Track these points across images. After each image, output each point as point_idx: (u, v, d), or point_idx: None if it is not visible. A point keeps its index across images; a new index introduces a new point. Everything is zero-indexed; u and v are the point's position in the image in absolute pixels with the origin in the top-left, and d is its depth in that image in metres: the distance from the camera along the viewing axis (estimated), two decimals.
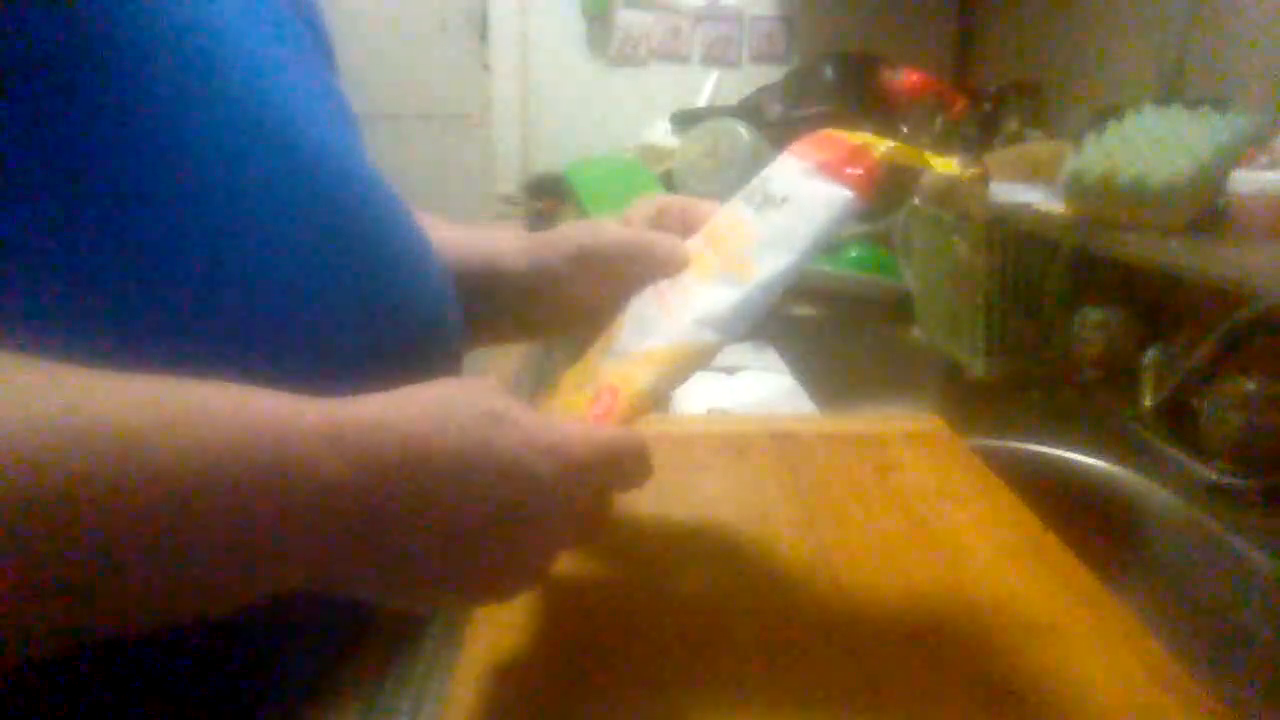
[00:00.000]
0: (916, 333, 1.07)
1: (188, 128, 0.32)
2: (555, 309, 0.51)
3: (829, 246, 1.18)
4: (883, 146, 0.40)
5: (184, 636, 0.32)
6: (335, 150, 0.39)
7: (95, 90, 0.30)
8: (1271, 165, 0.63)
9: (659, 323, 0.42)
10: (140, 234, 0.30)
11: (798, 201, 0.41)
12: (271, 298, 0.34)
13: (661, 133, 1.54)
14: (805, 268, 0.40)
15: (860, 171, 0.40)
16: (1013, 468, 0.66)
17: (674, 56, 1.81)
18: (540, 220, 1.52)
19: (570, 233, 0.50)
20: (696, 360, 0.39)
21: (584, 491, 0.35)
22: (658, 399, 0.39)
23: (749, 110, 1.44)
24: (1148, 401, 0.75)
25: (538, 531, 0.33)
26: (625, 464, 0.36)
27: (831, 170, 0.40)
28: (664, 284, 0.45)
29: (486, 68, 1.88)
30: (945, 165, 0.42)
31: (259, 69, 0.37)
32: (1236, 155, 0.66)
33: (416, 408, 0.31)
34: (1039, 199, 0.86)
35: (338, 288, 0.36)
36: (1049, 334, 0.88)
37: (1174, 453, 0.69)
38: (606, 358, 0.43)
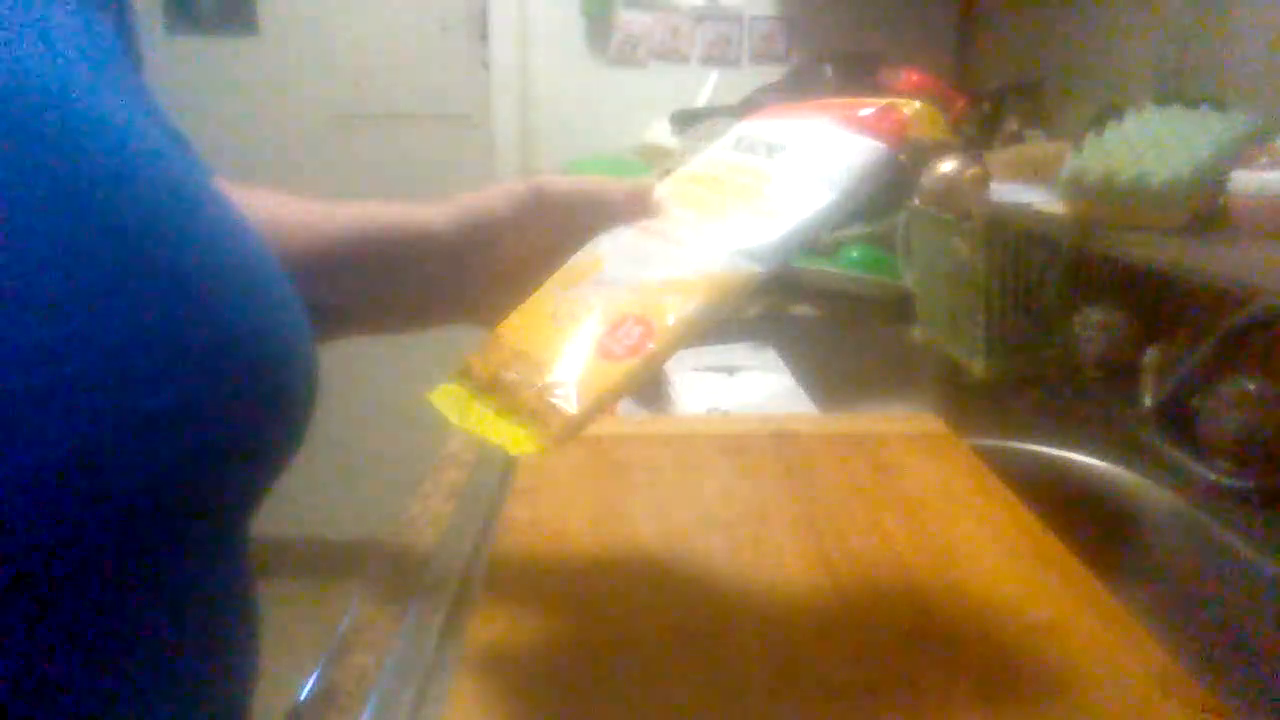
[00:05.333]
0: (916, 333, 1.07)
1: None
2: (491, 274, 0.44)
3: (828, 247, 1.18)
4: (910, 107, 0.40)
5: None
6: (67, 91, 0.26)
7: None
8: (1271, 165, 0.63)
9: (667, 256, 0.39)
10: None
11: (825, 152, 0.40)
12: None
13: (661, 133, 1.54)
14: (842, 215, 0.39)
15: (890, 124, 0.40)
16: (1013, 468, 0.66)
17: (674, 56, 1.81)
18: None
19: (507, 187, 0.44)
20: (739, 291, 0.37)
21: None
22: (699, 331, 0.36)
23: (749, 110, 1.44)
24: (1148, 401, 0.75)
25: None
26: None
27: (858, 124, 0.40)
28: (648, 223, 0.42)
29: (486, 67, 1.88)
30: (945, 133, 0.42)
31: None
32: (1236, 155, 0.66)
33: None
34: (1039, 199, 0.86)
35: (94, 314, 0.24)
36: (1049, 334, 0.88)
37: (1174, 453, 0.69)
38: (591, 288, 0.39)
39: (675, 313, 0.36)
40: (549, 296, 0.40)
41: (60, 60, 0.27)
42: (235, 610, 0.35)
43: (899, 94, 1.40)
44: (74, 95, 0.26)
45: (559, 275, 0.41)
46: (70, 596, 0.25)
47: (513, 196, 0.43)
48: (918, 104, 0.40)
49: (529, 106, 1.86)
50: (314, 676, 0.44)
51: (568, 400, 0.34)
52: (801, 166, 0.40)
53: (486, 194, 0.44)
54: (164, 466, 0.26)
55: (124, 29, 0.32)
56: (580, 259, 0.41)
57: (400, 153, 2.10)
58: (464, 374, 0.39)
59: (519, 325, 0.40)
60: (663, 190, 0.44)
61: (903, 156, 0.40)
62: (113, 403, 0.24)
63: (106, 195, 0.25)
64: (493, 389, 0.37)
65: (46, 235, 0.23)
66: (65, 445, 0.23)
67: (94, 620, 0.26)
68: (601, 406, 0.34)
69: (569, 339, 0.37)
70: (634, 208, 0.43)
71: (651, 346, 0.35)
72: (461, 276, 0.44)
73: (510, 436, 0.35)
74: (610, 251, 0.41)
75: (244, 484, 0.31)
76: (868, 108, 0.41)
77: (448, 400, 0.38)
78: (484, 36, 1.89)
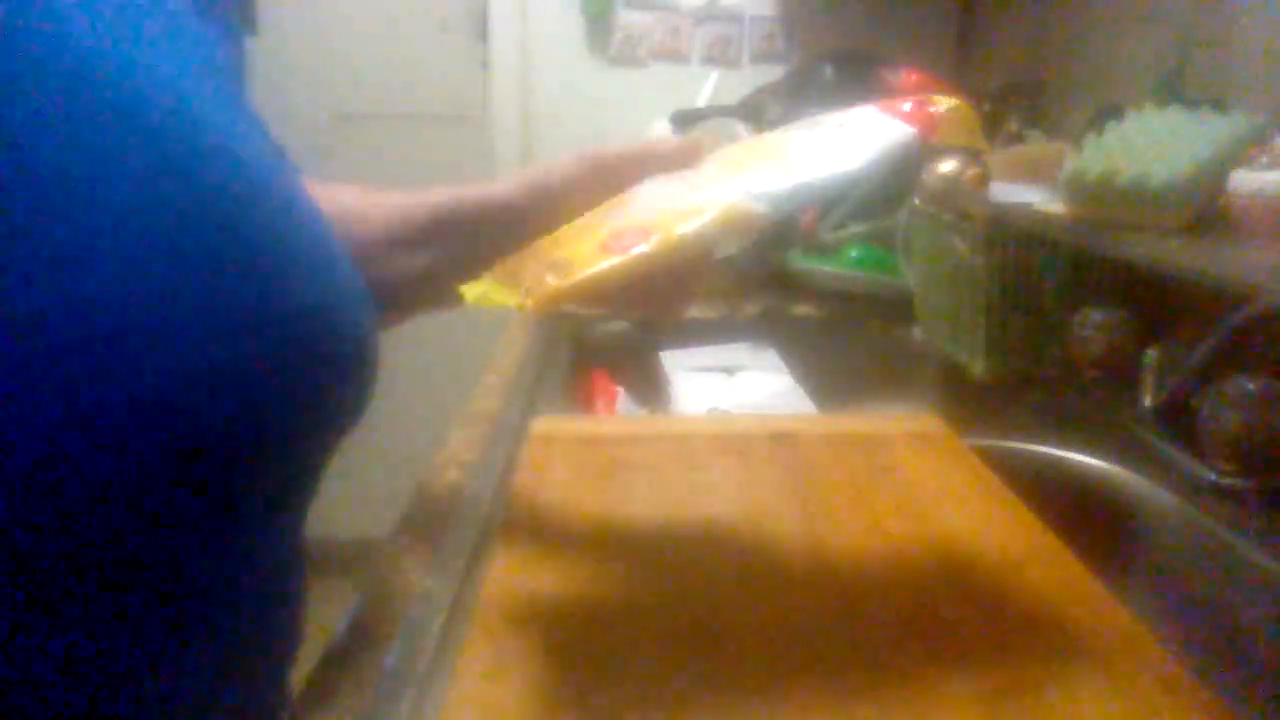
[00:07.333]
0: (916, 333, 1.07)
1: None
2: (551, 229, 0.49)
3: (828, 247, 1.18)
4: (944, 104, 0.43)
5: None
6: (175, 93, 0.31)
7: None
8: (1271, 165, 0.63)
9: (688, 192, 0.42)
10: None
11: (858, 127, 0.43)
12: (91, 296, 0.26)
13: (661, 133, 1.54)
14: (859, 187, 0.41)
15: (923, 116, 0.43)
16: (1013, 468, 0.66)
17: (674, 56, 1.81)
18: None
19: (565, 157, 0.50)
20: (741, 225, 0.39)
21: None
22: (697, 250, 0.38)
23: (749, 110, 1.44)
24: (1148, 401, 0.75)
25: None
26: None
27: (895, 112, 0.43)
28: (683, 174, 0.45)
29: (486, 67, 1.88)
30: (978, 143, 0.45)
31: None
32: (1236, 155, 0.66)
33: None
34: (1039, 199, 0.86)
35: (183, 282, 0.28)
36: (1049, 334, 0.88)
37: (1174, 453, 0.69)
38: (616, 210, 0.42)
39: (673, 229, 0.38)
40: (583, 220, 0.44)
41: (174, 65, 0.31)
42: (284, 577, 0.39)
43: (899, 94, 1.40)
44: (184, 98, 0.30)
45: (589, 215, 0.45)
46: (136, 534, 0.29)
47: (570, 164, 0.49)
48: (954, 102, 0.43)
49: (529, 107, 1.86)
50: (314, 676, 0.44)
51: (556, 276, 0.38)
52: (832, 137, 0.43)
53: (548, 164, 0.51)
54: (234, 413, 0.29)
55: (230, 40, 0.38)
56: (620, 196, 0.45)
57: (400, 153, 2.10)
58: (494, 271, 0.43)
59: (552, 237, 0.44)
60: (718, 154, 0.47)
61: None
62: (196, 350, 0.28)
63: (206, 180, 0.30)
64: (507, 276, 0.41)
65: (153, 207, 0.28)
66: (154, 381, 0.27)
67: (155, 562, 0.30)
68: (585, 288, 0.37)
69: (579, 240, 0.40)
70: (680, 161, 0.47)
71: (643, 248, 0.37)
72: (525, 236, 0.48)
73: (495, 299, 0.39)
74: (644, 188, 0.45)
75: (300, 448, 0.35)
76: (908, 102, 0.44)
77: (471, 289, 0.42)
78: (484, 36, 1.89)
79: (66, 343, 0.25)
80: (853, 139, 0.42)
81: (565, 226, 0.44)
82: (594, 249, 0.38)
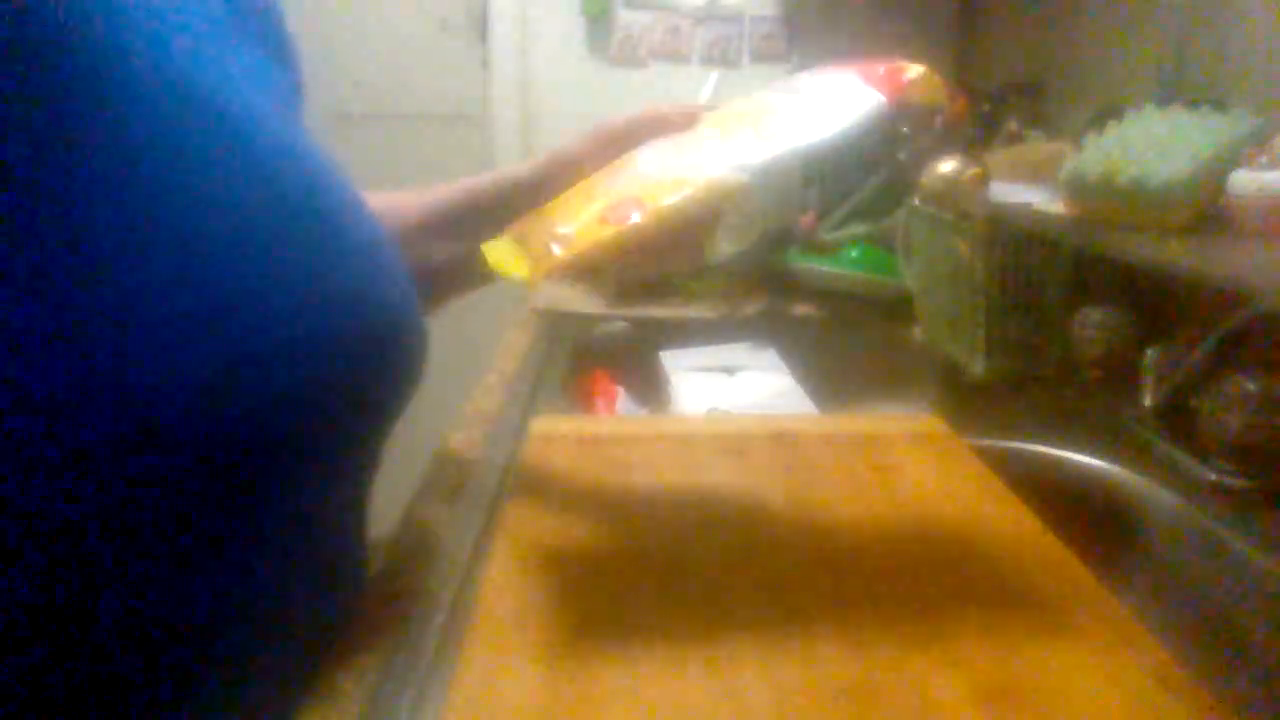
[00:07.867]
0: (916, 333, 1.07)
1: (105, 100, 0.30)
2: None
3: (828, 247, 1.18)
4: (914, 71, 0.47)
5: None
6: (256, 116, 0.37)
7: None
8: (1271, 165, 0.63)
9: (680, 160, 0.46)
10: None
11: (832, 95, 0.47)
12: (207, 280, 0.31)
13: None
14: (832, 151, 0.45)
15: (893, 84, 0.47)
16: (1013, 468, 0.66)
17: (674, 56, 1.81)
18: None
19: (577, 133, 0.55)
20: (725, 194, 0.43)
21: None
22: (684, 220, 0.42)
23: None
24: (1148, 401, 0.75)
25: None
26: None
27: (868, 79, 0.47)
28: (683, 137, 0.49)
29: (486, 67, 1.88)
30: (942, 100, 0.49)
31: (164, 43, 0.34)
32: (1236, 155, 0.66)
33: None
34: (1039, 199, 0.86)
35: (270, 273, 0.33)
36: (1049, 334, 0.88)
37: (1174, 453, 0.69)
38: (611, 181, 0.46)
39: (665, 199, 0.42)
40: (588, 181, 0.48)
41: (250, 90, 0.37)
42: (342, 562, 0.44)
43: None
44: (256, 115, 0.35)
45: (589, 180, 0.49)
46: (214, 490, 0.31)
47: (581, 142, 0.55)
48: (921, 69, 0.47)
49: (529, 107, 1.86)
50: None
51: (561, 247, 0.42)
52: (809, 108, 0.47)
53: (561, 145, 0.56)
54: (296, 385, 0.33)
55: (291, 73, 0.45)
56: (624, 158, 0.49)
57: (400, 153, 2.09)
58: (511, 230, 0.47)
59: (560, 199, 0.48)
60: (709, 116, 0.52)
61: (905, 128, 0.45)
62: (266, 326, 0.32)
63: (277, 181, 0.35)
64: (519, 238, 0.46)
65: (235, 203, 0.32)
66: (231, 350, 0.30)
67: (217, 532, 0.33)
68: (586, 258, 0.42)
69: (583, 209, 0.44)
70: (680, 125, 0.51)
71: (637, 219, 0.41)
72: (542, 202, 0.52)
73: (511, 266, 0.43)
74: (643, 153, 0.49)
75: (357, 423, 0.38)
76: (883, 66, 0.48)
77: (490, 246, 0.46)
78: (484, 36, 1.89)
79: (156, 319, 0.29)
80: (827, 108, 0.46)
81: (577, 186, 0.48)
82: (594, 221, 0.43)
